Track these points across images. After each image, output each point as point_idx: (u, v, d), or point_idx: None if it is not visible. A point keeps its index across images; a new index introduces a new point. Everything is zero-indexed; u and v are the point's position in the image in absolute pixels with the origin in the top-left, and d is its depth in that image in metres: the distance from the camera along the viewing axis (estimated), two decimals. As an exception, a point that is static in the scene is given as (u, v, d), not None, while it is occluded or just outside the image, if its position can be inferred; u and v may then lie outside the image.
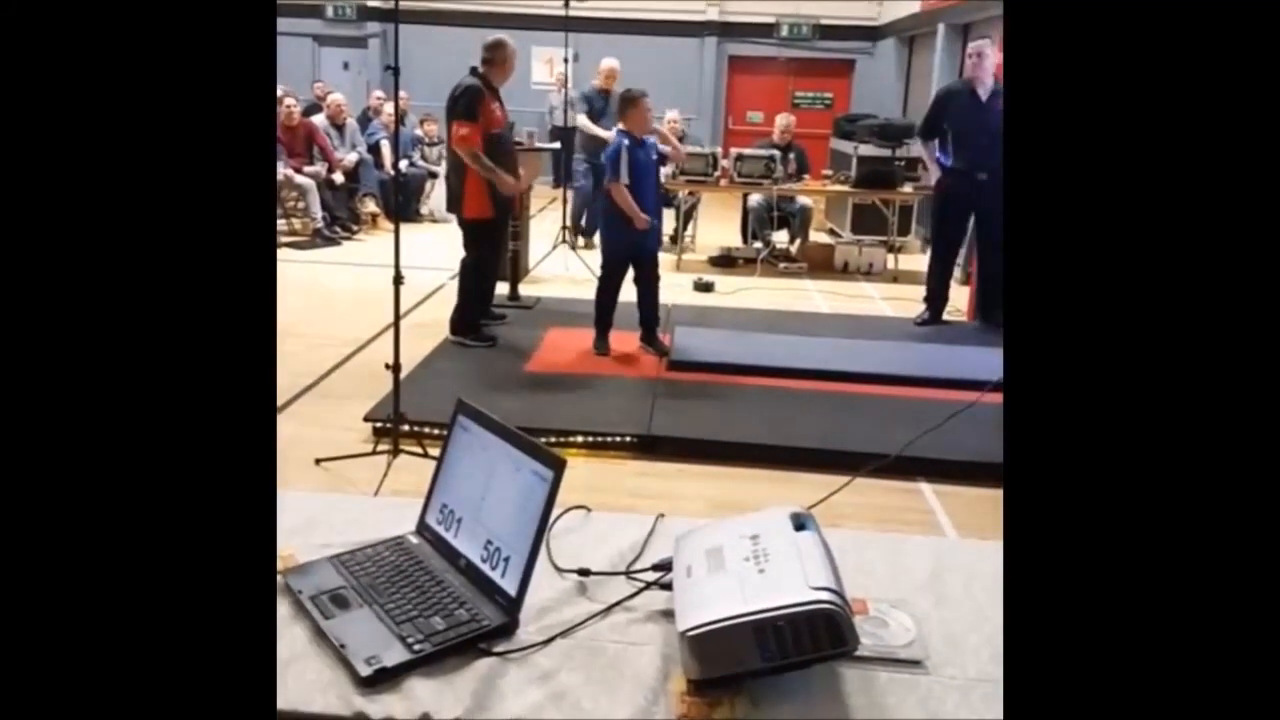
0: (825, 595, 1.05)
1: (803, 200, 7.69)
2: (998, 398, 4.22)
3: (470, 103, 4.51)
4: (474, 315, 4.96)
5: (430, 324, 5.24)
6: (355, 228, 8.35)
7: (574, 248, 6.97)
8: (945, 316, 5.83)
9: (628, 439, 3.77)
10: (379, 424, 3.73)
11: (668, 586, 1.26)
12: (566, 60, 7.54)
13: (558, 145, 6.92)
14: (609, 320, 4.87)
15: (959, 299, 6.05)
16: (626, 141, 4.64)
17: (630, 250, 4.74)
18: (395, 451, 3.39)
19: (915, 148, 7.83)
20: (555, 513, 1.45)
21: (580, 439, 3.75)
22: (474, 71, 4.68)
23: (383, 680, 1.09)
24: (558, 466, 1.22)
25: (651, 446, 3.75)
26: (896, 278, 7.20)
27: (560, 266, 6.96)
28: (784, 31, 12.90)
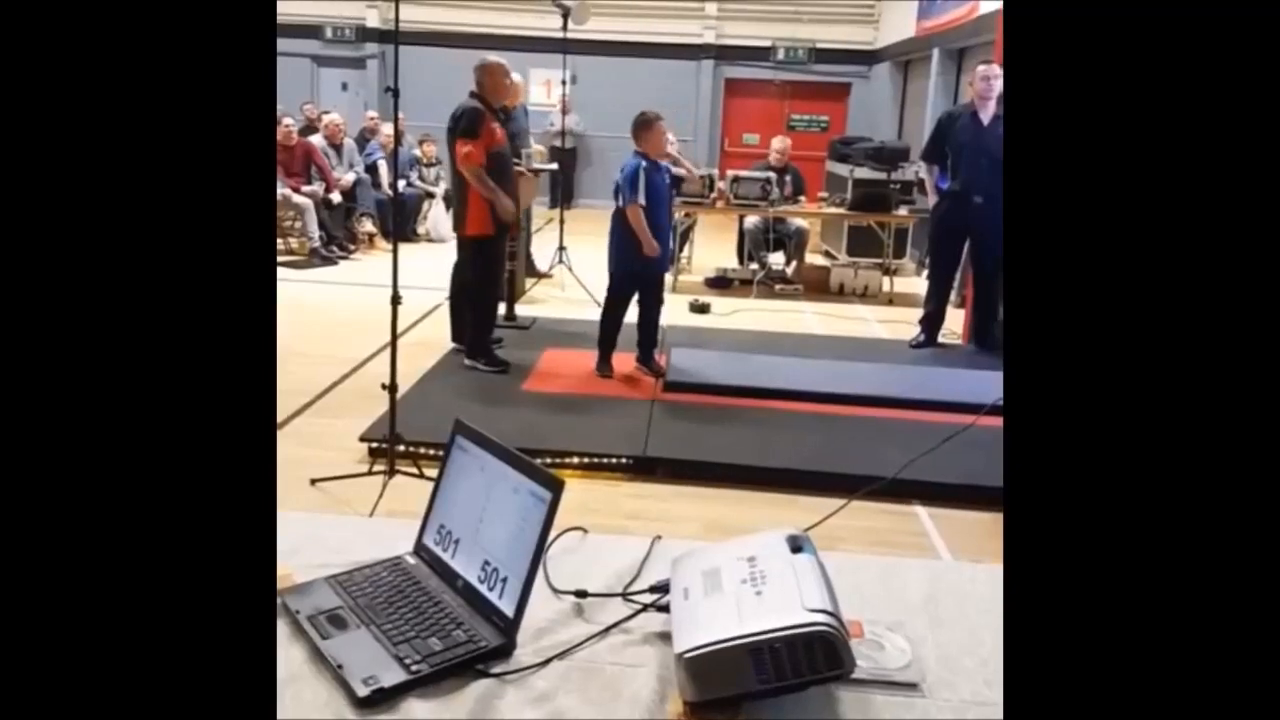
0: (821, 617, 1.06)
1: (798, 222, 7.72)
2: (993, 421, 4.23)
3: (472, 122, 4.55)
4: (488, 337, 4.97)
5: (426, 343, 5.25)
6: (352, 247, 8.37)
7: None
8: (940, 339, 5.86)
9: (624, 460, 3.77)
10: (375, 444, 3.73)
11: (665, 608, 1.26)
12: (564, 82, 7.60)
13: (555, 166, 6.96)
14: (614, 342, 4.86)
15: (954, 322, 6.08)
16: (644, 163, 4.62)
17: (640, 269, 4.73)
18: (391, 472, 3.39)
19: (910, 171, 7.91)
20: (552, 534, 1.45)
21: (576, 460, 3.75)
22: (473, 95, 4.73)
23: (380, 701, 1.09)
24: (556, 488, 1.23)
25: (647, 468, 3.76)
26: (892, 300, 7.23)
27: (557, 287, 6.98)
28: (780, 55, 13.01)
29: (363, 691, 1.09)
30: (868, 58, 12.88)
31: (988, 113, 5.45)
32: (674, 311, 6.49)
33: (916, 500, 3.52)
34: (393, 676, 1.12)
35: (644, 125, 4.71)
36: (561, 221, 7.07)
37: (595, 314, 6.27)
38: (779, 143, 7.98)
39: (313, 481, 3.44)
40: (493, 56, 4.89)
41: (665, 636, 1.21)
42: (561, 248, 6.96)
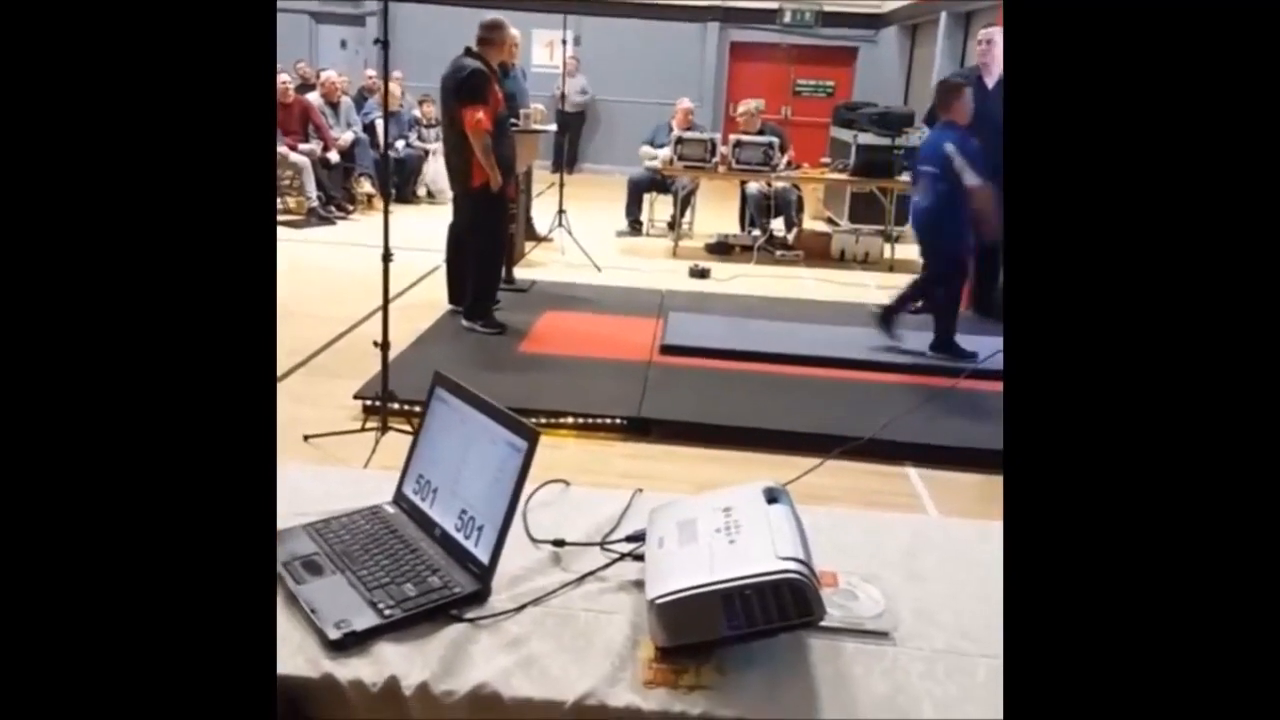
0: (792, 565, 1.06)
1: (779, 185, 7.56)
2: (984, 383, 4.23)
3: (480, 85, 4.43)
4: (490, 300, 4.92)
5: (424, 304, 5.23)
6: (350, 208, 8.32)
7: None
8: (940, 305, 5.82)
9: (618, 421, 3.77)
10: (369, 402, 3.73)
11: (640, 557, 1.26)
12: (565, 43, 7.52)
13: (554, 127, 6.91)
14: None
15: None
16: (958, 137, 4.21)
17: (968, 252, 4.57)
18: (384, 429, 3.39)
19: (915, 137, 7.81)
20: (533, 486, 1.45)
21: (571, 420, 3.75)
22: (470, 52, 4.61)
23: (352, 644, 1.10)
24: (532, 438, 1.22)
25: (642, 429, 3.76)
26: (893, 267, 7.19)
27: (556, 251, 6.95)
28: (786, 18, 12.83)
29: (334, 635, 1.10)
30: (875, 21, 12.72)
31: (992, 77, 5.37)
32: (674, 276, 6.47)
33: (908, 461, 3.52)
34: (365, 620, 1.13)
35: (951, 91, 4.23)
36: (561, 185, 7.02)
37: (595, 278, 6.29)
38: (746, 106, 7.82)
39: (306, 438, 3.45)
40: (497, 15, 4.77)
41: (640, 585, 1.21)
42: (561, 211, 6.92)
